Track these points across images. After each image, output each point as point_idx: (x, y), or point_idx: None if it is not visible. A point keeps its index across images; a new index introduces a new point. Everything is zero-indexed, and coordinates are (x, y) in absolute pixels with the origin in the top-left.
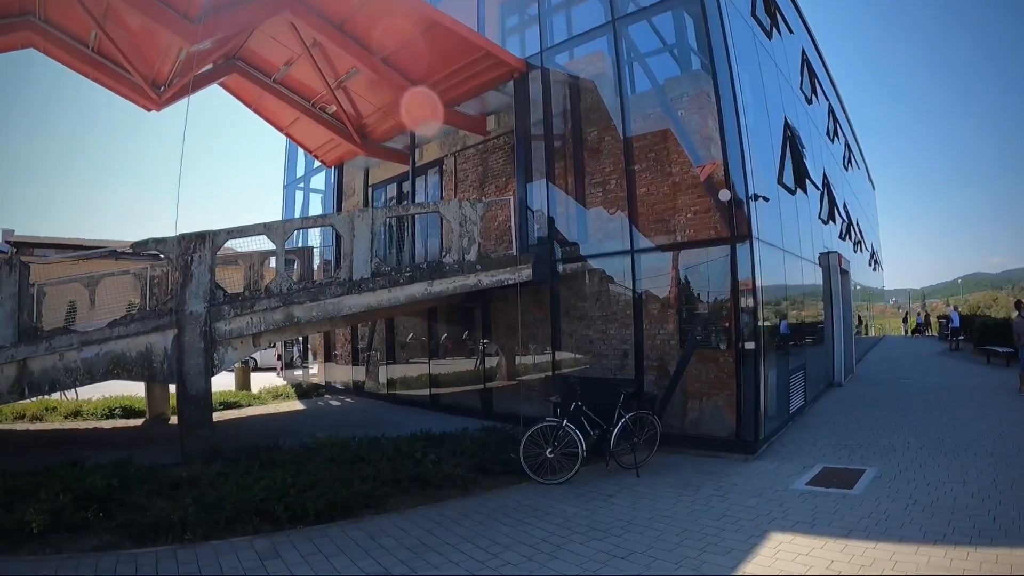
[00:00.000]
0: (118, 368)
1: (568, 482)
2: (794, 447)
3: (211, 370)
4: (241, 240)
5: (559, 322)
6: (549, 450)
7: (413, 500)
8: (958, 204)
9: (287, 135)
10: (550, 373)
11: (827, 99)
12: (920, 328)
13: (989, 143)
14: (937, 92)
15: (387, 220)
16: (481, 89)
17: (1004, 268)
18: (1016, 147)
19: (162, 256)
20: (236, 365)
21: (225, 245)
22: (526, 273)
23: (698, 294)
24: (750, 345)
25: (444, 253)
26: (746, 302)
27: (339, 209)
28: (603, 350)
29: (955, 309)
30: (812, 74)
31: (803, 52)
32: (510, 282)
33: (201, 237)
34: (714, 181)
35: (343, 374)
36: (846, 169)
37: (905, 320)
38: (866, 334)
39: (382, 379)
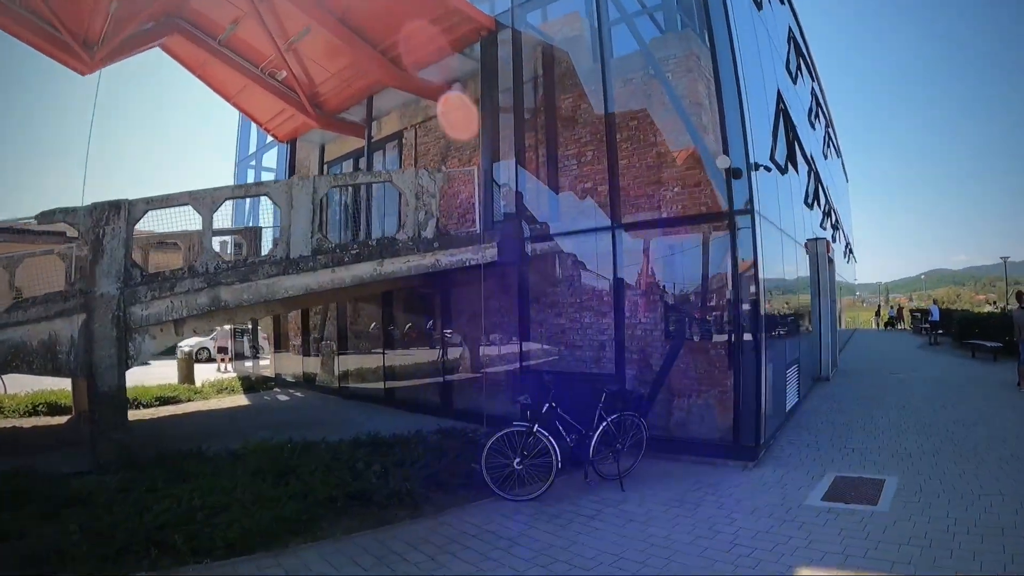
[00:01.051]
0: (17, 359)
1: (540, 498)
2: (796, 451)
3: (125, 362)
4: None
5: (527, 309)
6: (517, 460)
7: (351, 523)
8: (924, 203)
9: (235, 106)
10: (518, 366)
11: (812, 78)
12: (892, 321)
13: (956, 144)
14: (907, 96)
15: (341, 198)
16: (446, 51)
17: (966, 265)
18: (981, 150)
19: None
20: (181, 355)
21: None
22: (491, 253)
23: (689, 278)
24: (749, 336)
25: (398, 229)
26: (746, 286)
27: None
28: (577, 341)
29: (935, 303)
30: (798, 51)
31: (789, 28)
32: (472, 263)
33: (115, 207)
34: (708, 150)
35: (294, 366)
36: (824, 157)
37: (877, 313)
38: (840, 326)
39: (335, 372)
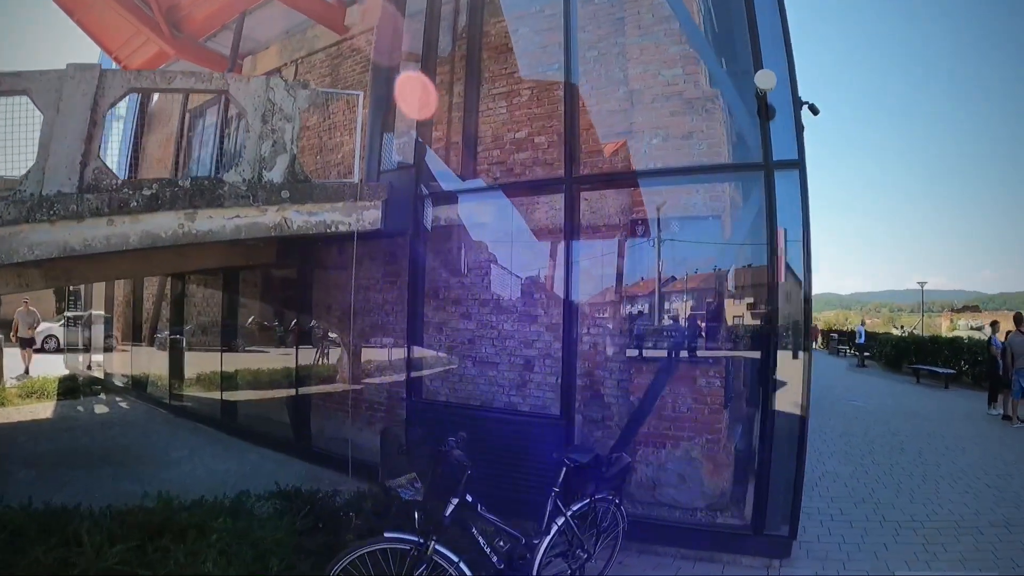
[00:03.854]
0: None
1: None
2: (824, 531)
3: None
4: None
5: (421, 306)
6: None
7: None
8: (822, 231)
9: (80, 24)
10: (404, 394)
11: None
12: None
13: (857, 169)
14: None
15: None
16: None
17: (853, 291)
18: (871, 183)
19: None
20: None
21: None
22: (371, 216)
23: (683, 264)
24: (788, 355)
25: (229, 166)
26: (788, 281)
27: (141, 142)
28: (491, 355)
29: (862, 324)
30: None
31: None
32: (342, 228)
33: None
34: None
35: (126, 366)
36: None
37: None
38: None
39: (167, 378)
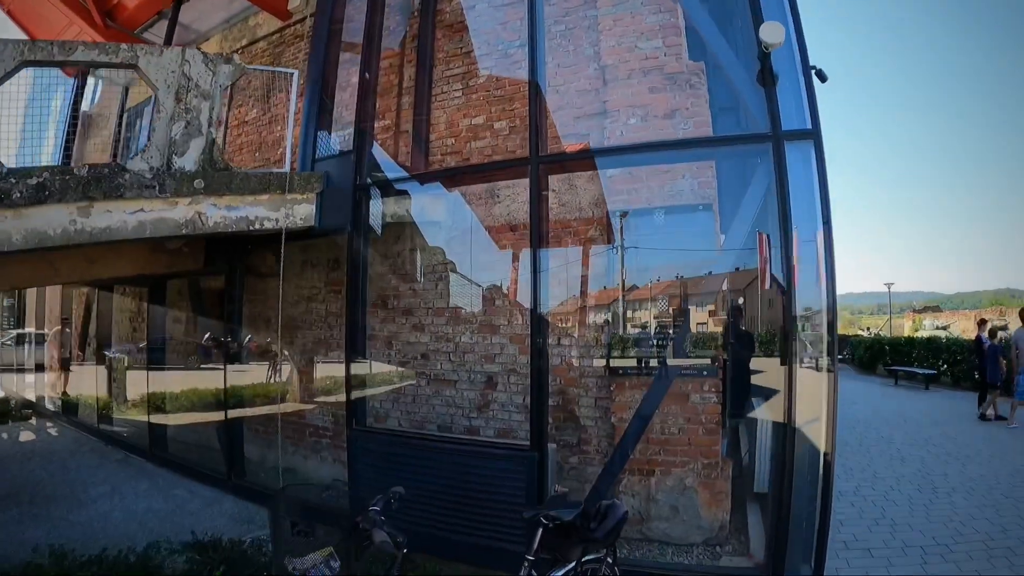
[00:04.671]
0: None
1: None
2: (843, 563)
3: None
4: None
5: (363, 315)
6: None
7: None
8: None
9: (9, 14)
10: (346, 424)
11: None
12: None
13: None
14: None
15: None
16: None
17: None
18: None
19: None
20: None
21: None
22: (303, 212)
23: (675, 259)
24: (812, 362)
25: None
26: (805, 273)
27: (73, 142)
28: (447, 372)
29: None
30: None
31: None
32: (268, 225)
33: None
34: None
35: (57, 388)
36: None
37: None
38: None
39: (97, 401)
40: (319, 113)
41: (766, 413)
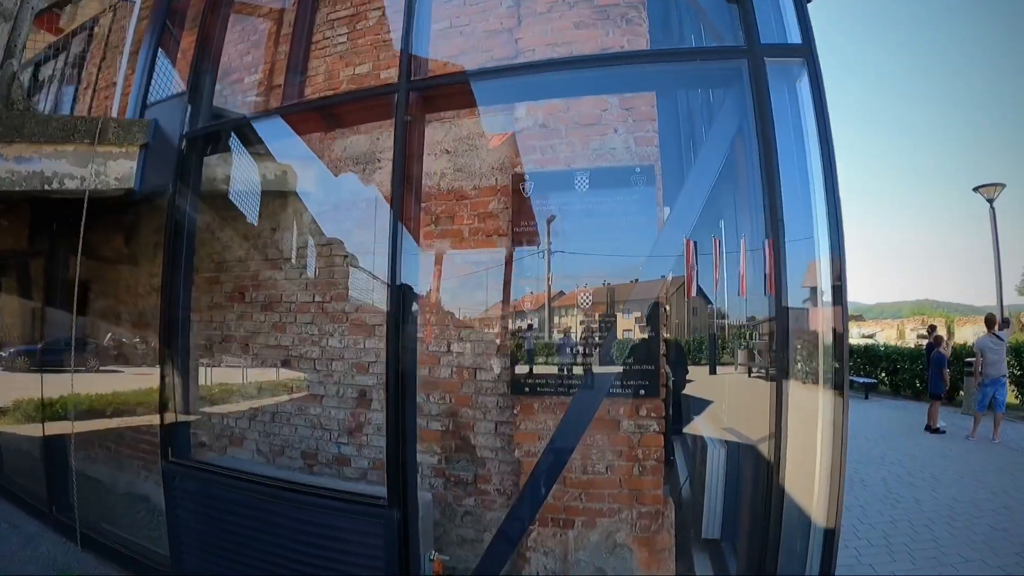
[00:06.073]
0: None
1: None
2: None
3: None
4: None
5: (183, 306)
6: None
7: None
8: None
9: None
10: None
11: None
12: None
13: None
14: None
15: None
16: None
17: None
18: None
19: None
20: None
21: None
22: (120, 169)
23: (611, 227)
24: (808, 377)
25: None
26: (800, 242)
27: None
28: (315, 386)
29: None
30: None
31: None
32: (70, 185)
33: None
34: None
35: None
36: None
37: None
38: None
39: None
40: (157, 46)
41: (715, 435)
